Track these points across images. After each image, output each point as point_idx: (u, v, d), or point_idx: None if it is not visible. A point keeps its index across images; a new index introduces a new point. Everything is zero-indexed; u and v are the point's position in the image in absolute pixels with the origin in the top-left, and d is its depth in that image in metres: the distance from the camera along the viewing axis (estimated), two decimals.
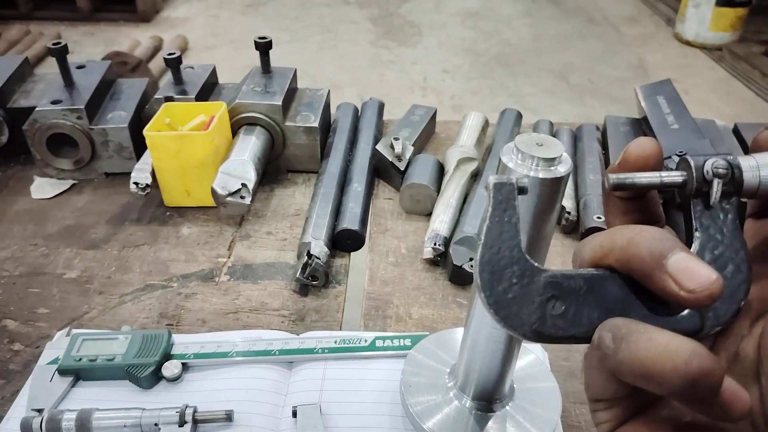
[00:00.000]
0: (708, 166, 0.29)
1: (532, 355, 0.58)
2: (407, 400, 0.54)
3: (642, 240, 0.28)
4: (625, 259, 0.29)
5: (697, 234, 0.32)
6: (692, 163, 0.30)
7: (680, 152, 0.73)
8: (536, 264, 0.31)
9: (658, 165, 0.33)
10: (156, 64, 3.03)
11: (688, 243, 0.32)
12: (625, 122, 0.93)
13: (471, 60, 3.38)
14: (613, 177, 0.31)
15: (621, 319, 0.29)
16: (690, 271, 0.26)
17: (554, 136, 0.87)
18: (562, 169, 0.40)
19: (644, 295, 0.31)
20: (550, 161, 0.39)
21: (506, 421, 0.52)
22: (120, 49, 3.07)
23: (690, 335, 0.27)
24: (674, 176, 0.30)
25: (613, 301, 0.30)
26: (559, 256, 0.75)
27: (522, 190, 0.32)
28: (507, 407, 0.53)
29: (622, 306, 0.30)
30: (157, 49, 3.25)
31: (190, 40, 3.48)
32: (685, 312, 0.30)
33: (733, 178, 0.30)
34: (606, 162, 0.86)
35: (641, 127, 0.91)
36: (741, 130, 0.93)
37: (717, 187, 0.29)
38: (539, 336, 0.31)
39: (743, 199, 0.32)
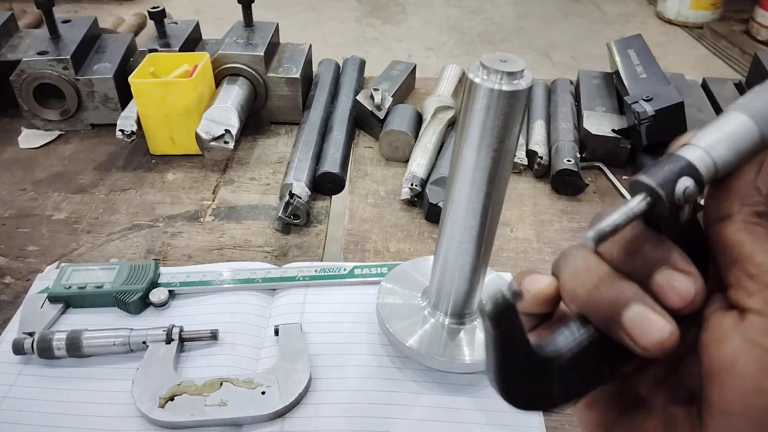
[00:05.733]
0: (679, 194, 0.26)
1: (493, 273, 0.62)
2: (385, 321, 0.56)
3: (596, 294, 0.28)
4: (585, 310, 0.29)
5: None
6: (662, 194, 0.26)
7: (646, 97, 0.77)
8: (547, 354, 0.29)
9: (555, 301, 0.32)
10: (140, 42, 3.02)
11: None
12: (597, 76, 0.96)
13: (455, 38, 3.40)
14: (591, 233, 0.27)
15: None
16: (644, 327, 0.27)
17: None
18: (524, 83, 0.43)
19: None
20: (513, 75, 0.42)
21: (476, 331, 0.55)
22: (104, 26, 3.05)
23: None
24: (642, 202, 0.27)
25: (618, 352, 0.29)
26: (531, 198, 0.78)
27: (518, 295, 0.27)
28: (477, 320, 0.56)
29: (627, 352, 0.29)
30: (141, 27, 3.22)
31: (174, 16, 3.45)
32: None
33: (699, 186, 0.27)
34: (578, 112, 0.89)
35: (612, 79, 0.94)
36: (709, 84, 0.96)
37: (688, 209, 0.27)
38: (566, 404, 0.31)
39: None
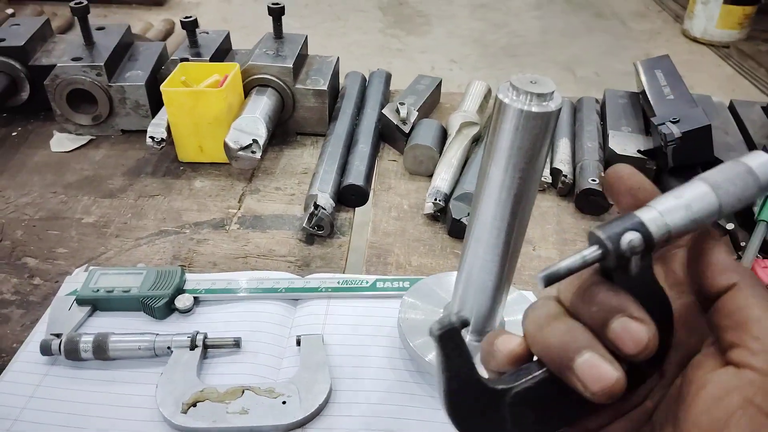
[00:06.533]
0: (624, 246, 0.28)
1: (516, 292, 0.62)
2: (407, 335, 0.57)
3: (553, 340, 0.30)
4: (543, 354, 0.31)
5: None
6: (609, 246, 0.29)
7: (673, 119, 0.76)
8: (498, 387, 0.31)
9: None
10: (169, 49, 3.07)
11: None
12: (623, 95, 0.96)
13: (479, 51, 3.41)
14: (543, 274, 0.29)
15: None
16: (593, 373, 0.28)
17: None
18: (554, 105, 0.43)
19: None
20: (543, 97, 0.43)
21: None
22: (132, 31, 3.10)
23: (634, 385, 0.30)
24: (594, 252, 0.29)
25: (574, 398, 0.30)
26: (554, 216, 0.79)
27: (465, 323, 0.30)
28: None
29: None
30: (169, 33, 3.28)
31: (202, 24, 3.49)
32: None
33: (645, 242, 0.29)
34: (603, 131, 0.89)
35: (639, 100, 0.94)
36: (736, 106, 0.96)
37: (635, 261, 0.29)
38: None
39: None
